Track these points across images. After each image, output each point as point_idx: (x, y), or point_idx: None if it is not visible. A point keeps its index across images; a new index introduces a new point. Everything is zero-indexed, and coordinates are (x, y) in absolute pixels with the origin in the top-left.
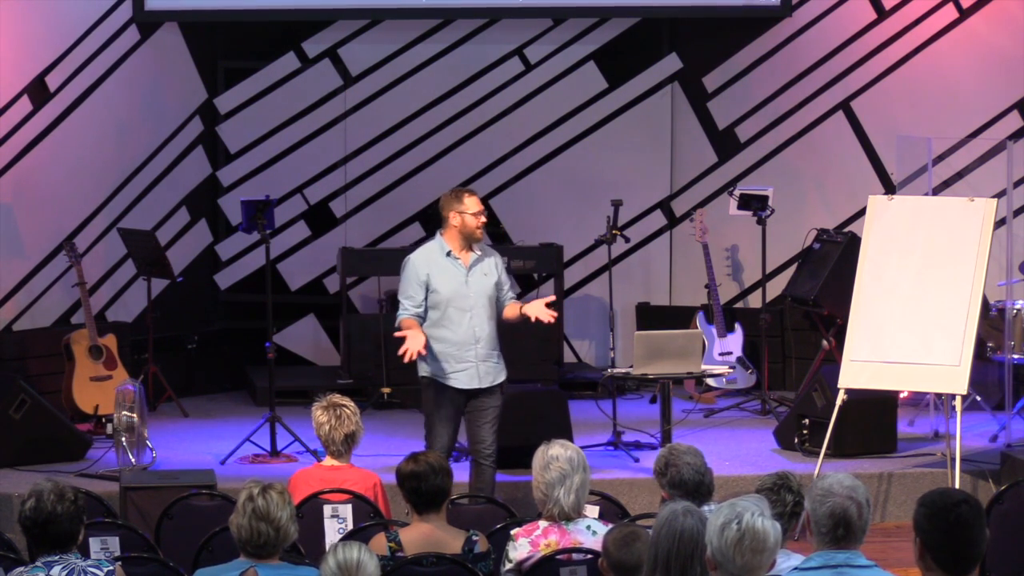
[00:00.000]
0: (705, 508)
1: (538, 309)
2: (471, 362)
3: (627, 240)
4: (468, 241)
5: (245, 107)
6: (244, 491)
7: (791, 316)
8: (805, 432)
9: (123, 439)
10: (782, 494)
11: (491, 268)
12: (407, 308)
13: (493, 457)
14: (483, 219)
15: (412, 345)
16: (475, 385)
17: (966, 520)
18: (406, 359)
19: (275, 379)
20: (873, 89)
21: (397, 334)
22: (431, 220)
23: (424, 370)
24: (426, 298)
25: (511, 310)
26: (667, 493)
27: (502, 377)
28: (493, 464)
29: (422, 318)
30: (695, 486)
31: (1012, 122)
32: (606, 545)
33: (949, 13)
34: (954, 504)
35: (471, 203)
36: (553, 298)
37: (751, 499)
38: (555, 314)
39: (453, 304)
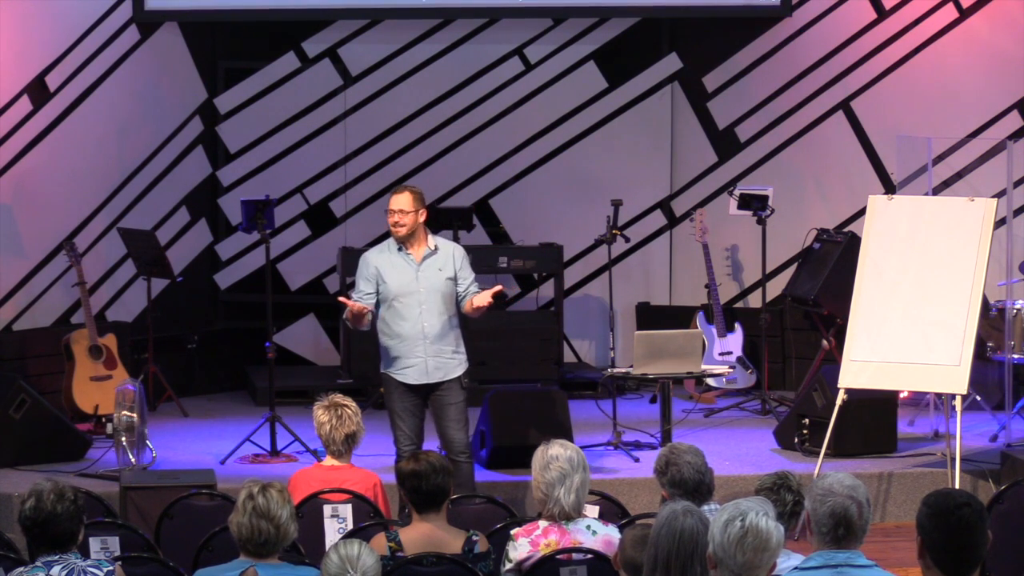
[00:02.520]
0: (705, 508)
1: (481, 298)
2: (420, 357)
3: (627, 240)
4: (399, 239)
5: (245, 107)
6: (244, 490)
7: (791, 316)
8: (805, 432)
9: (123, 439)
10: (782, 494)
11: (447, 263)
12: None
13: (467, 453)
14: (395, 218)
15: (354, 306)
16: (423, 380)
17: (968, 523)
18: (352, 312)
19: (275, 379)
20: (873, 89)
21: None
22: (431, 220)
23: (381, 366)
24: (378, 292)
25: (467, 305)
26: (667, 492)
27: (457, 372)
28: (468, 459)
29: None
30: (695, 485)
31: (1012, 122)
32: (623, 541)
33: (949, 13)
34: (956, 506)
35: (391, 201)
36: (500, 288)
37: (756, 500)
38: (496, 289)
39: (401, 299)
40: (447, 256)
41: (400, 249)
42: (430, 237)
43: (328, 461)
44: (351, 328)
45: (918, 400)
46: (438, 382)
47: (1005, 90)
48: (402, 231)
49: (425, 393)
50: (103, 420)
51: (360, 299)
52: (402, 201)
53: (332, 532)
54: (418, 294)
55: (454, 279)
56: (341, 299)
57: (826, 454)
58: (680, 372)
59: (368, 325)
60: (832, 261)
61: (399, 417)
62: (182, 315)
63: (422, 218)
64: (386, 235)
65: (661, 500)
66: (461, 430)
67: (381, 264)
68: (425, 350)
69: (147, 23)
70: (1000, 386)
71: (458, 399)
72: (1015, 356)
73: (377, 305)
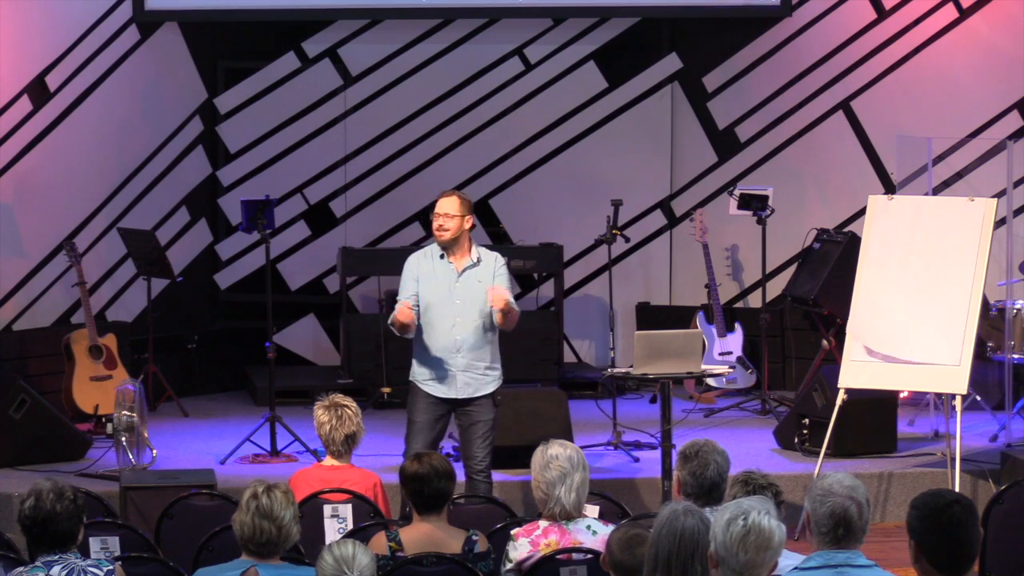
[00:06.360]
0: (706, 510)
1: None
2: (450, 371)
3: (627, 240)
4: (443, 246)
5: (245, 107)
6: (249, 489)
7: (791, 316)
8: (805, 432)
9: (123, 439)
10: (760, 494)
11: (486, 275)
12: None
13: (486, 472)
14: (440, 221)
15: (402, 310)
16: (451, 395)
17: (960, 520)
18: (403, 318)
19: (275, 379)
20: (873, 89)
21: (410, 320)
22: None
23: (411, 373)
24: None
25: (497, 317)
26: (679, 482)
27: (489, 389)
28: (487, 479)
29: (415, 313)
30: (711, 486)
31: (1012, 122)
32: (610, 543)
33: (949, 13)
34: (946, 505)
35: (437, 205)
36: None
37: (757, 499)
38: (496, 298)
39: (436, 309)
40: (488, 268)
41: (442, 257)
42: (475, 248)
43: (328, 461)
44: (397, 334)
45: (918, 400)
46: (468, 398)
47: (1005, 90)
48: (446, 235)
49: (452, 406)
50: (103, 420)
51: (409, 300)
52: (448, 204)
53: (332, 532)
54: (453, 306)
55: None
56: (401, 305)
57: (826, 454)
58: (680, 372)
59: (413, 333)
60: (832, 261)
61: (418, 430)
62: (182, 315)
63: (467, 225)
64: (387, 235)
65: (677, 482)
66: (484, 448)
67: (422, 270)
68: (456, 364)
69: (147, 23)
70: (1000, 386)
71: (487, 416)
72: (1015, 356)
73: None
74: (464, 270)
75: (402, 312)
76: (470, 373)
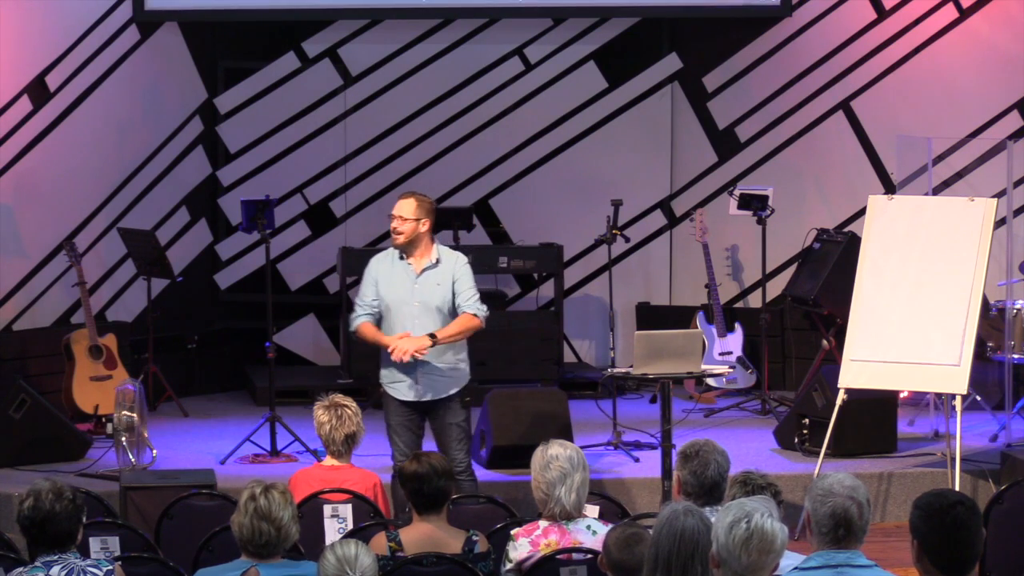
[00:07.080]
0: (707, 509)
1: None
2: (412, 374)
3: (627, 240)
4: (401, 248)
5: (245, 107)
6: (246, 490)
7: (791, 316)
8: (805, 432)
9: (123, 439)
10: (759, 494)
11: (446, 277)
12: (361, 309)
13: (468, 472)
14: (394, 223)
15: (406, 345)
16: (414, 398)
17: (963, 521)
18: (404, 359)
19: (275, 379)
20: (873, 89)
21: (374, 340)
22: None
23: (380, 376)
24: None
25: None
26: (680, 481)
27: (453, 390)
28: (470, 478)
29: (376, 319)
30: (711, 485)
31: (1012, 122)
32: (607, 544)
33: (949, 13)
34: (950, 506)
35: (394, 206)
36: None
37: (760, 500)
38: (403, 354)
39: (396, 311)
40: (448, 269)
41: (402, 258)
42: (436, 248)
43: (328, 461)
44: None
45: (918, 400)
46: (432, 400)
47: (1005, 90)
48: (400, 239)
49: (423, 409)
50: (103, 420)
51: (368, 309)
52: (403, 207)
53: (332, 532)
54: (412, 308)
55: (453, 292)
56: (374, 341)
57: (826, 454)
58: (680, 372)
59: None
60: (832, 261)
61: (395, 432)
62: (182, 315)
63: (424, 228)
64: (387, 235)
65: (677, 481)
66: (462, 450)
67: (381, 272)
68: (416, 367)
69: (147, 23)
70: (1000, 386)
71: (458, 418)
72: (1015, 356)
73: None
74: (423, 271)
75: (368, 334)
76: (432, 375)
